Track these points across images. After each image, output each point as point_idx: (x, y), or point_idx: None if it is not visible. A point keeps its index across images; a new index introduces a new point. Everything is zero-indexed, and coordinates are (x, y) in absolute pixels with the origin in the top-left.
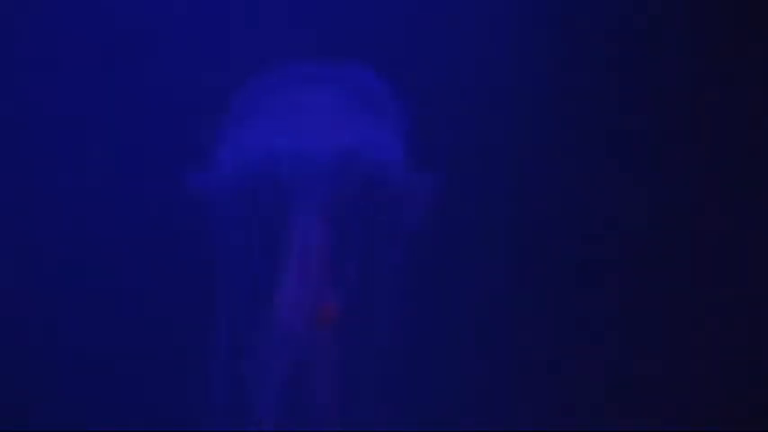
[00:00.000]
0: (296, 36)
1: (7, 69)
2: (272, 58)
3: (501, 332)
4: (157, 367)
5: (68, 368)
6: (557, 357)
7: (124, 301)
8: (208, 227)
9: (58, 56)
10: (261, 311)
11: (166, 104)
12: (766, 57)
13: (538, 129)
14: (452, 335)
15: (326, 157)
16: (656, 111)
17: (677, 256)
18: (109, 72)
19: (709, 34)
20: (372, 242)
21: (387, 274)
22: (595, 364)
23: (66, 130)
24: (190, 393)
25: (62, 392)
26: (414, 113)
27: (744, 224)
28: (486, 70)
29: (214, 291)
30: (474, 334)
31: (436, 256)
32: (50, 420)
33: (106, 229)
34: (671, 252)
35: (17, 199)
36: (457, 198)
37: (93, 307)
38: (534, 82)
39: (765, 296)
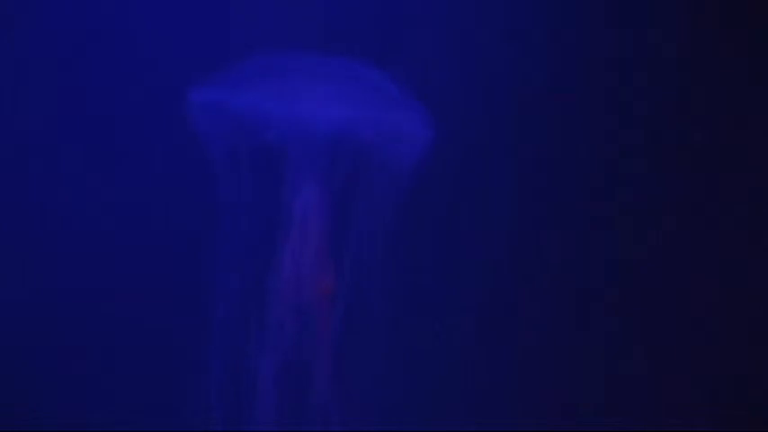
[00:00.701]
0: (295, 27)
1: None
2: (270, 47)
3: (500, 329)
4: (156, 357)
5: (68, 367)
6: (556, 357)
7: (121, 293)
8: (207, 210)
9: (37, 40)
10: (261, 290)
11: (160, 86)
12: (766, 56)
13: (538, 127)
14: (451, 331)
15: (323, 127)
16: (657, 110)
17: (677, 254)
18: (101, 49)
19: (709, 33)
20: (368, 221)
21: (381, 260)
22: (595, 364)
23: (54, 116)
24: (189, 389)
25: (62, 392)
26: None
27: (744, 224)
28: (487, 65)
29: (213, 280)
30: (473, 331)
31: (434, 251)
32: (51, 420)
33: (102, 219)
34: (671, 251)
35: (14, 197)
36: (457, 193)
37: (90, 296)
38: (535, 79)
39: (765, 296)
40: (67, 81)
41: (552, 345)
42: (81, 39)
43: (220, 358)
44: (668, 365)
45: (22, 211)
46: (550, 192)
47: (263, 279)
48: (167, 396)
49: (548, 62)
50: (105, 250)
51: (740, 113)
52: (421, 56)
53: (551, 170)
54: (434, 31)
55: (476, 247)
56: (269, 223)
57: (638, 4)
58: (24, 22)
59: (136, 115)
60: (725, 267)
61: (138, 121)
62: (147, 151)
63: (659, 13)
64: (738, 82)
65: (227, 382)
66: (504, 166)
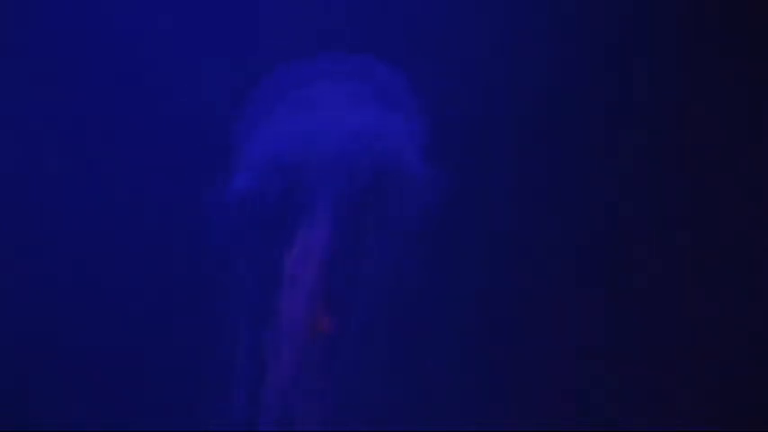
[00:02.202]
0: (310, 33)
1: (12, 72)
2: (285, 55)
3: (501, 335)
4: (160, 371)
5: (71, 369)
6: (556, 358)
7: (126, 304)
8: (216, 232)
9: (68, 67)
10: (264, 317)
11: (179, 106)
12: (766, 57)
13: (541, 129)
14: (453, 338)
15: (338, 147)
16: (657, 111)
17: (678, 255)
18: (123, 78)
19: (708, 33)
20: (377, 241)
21: (388, 276)
22: (595, 364)
23: (77, 140)
24: (191, 397)
25: (65, 393)
26: (425, 109)
27: (743, 224)
28: (491, 67)
29: (218, 296)
30: (475, 337)
31: (437, 258)
32: (50, 421)
33: (113, 231)
34: (671, 252)
35: (19, 200)
36: (459, 199)
37: (96, 312)
38: (540, 82)
39: (765, 296)
40: (73, 84)
41: (553, 347)
42: (89, 48)
43: (224, 368)
44: (669, 365)
45: (28, 212)
46: (551, 196)
47: (268, 297)
48: (169, 400)
49: (548, 66)
50: (109, 254)
51: (741, 113)
52: (424, 59)
53: (552, 174)
54: (437, 34)
55: (476, 253)
56: (276, 244)
57: (638, 5)
58: (31, 27)
59: (142, 124)
60: (725, 267)
61: (146, 131)
62: (158, 163)
63: (659, 14)
64: (739, 82)
65: (230, 391)
66: (505, 173)
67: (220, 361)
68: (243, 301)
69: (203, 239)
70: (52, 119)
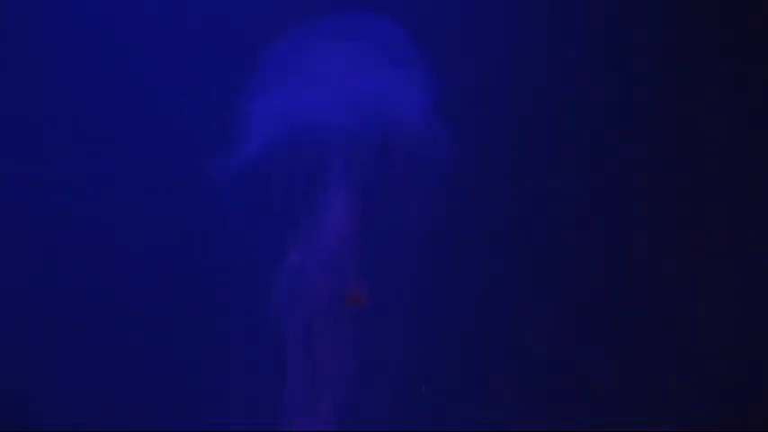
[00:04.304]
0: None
1: (12, 69)
2: (291, 16)
3: (505, 330)
4: (161, 370)
5: (71, 369)
6: (559, 356)
7: (128, 303)
8: (229, 211)
9: (57, 42)
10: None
11: (182, 78)
12: (765, 57)
13: (542, 125)
14: (456, 332)
15: (348, 117)
16: (656, 112)
17: (677, 254)
18: (121, 47)
19: (708, 33)
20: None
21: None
22: (595, 364)
23: (80, 111)
24: (192, 398)
25: (65, 393)
26: (434, 68)
27: (743, 223)
28: (489, 58)
29: (226, 292)
30: (476, 331)
31: (444, 252)
32: (52, 421)
33: (113, 229)
34: (670, 250)
35: (21, 198)
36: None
37: (96, 312)
38: (538, 68)
39: (765, 296)
40: (74, 81)
41: (554, 346)
42: (86, 39)
43: (238, 360)
44: (670, 365)
45: (28, 212)
46: (551, 194)
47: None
48: (171, 400)
49: (549, 58)
50: (108, 253)
51: (740, 113)
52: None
53: (552, 172)
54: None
55: (479, 247)
56: (296, 222)
57: (638, 4)
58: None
59: (145, 116)
60: (725, 266)
61: (158, 114)
62: (166, 144)
63: (659, 14)
64: (739, 82)
65: (245, 384)
66: (506, 164)
67: (221, 360)
68: (253, 294)
69: (213, 229)
70: (50, 110)
